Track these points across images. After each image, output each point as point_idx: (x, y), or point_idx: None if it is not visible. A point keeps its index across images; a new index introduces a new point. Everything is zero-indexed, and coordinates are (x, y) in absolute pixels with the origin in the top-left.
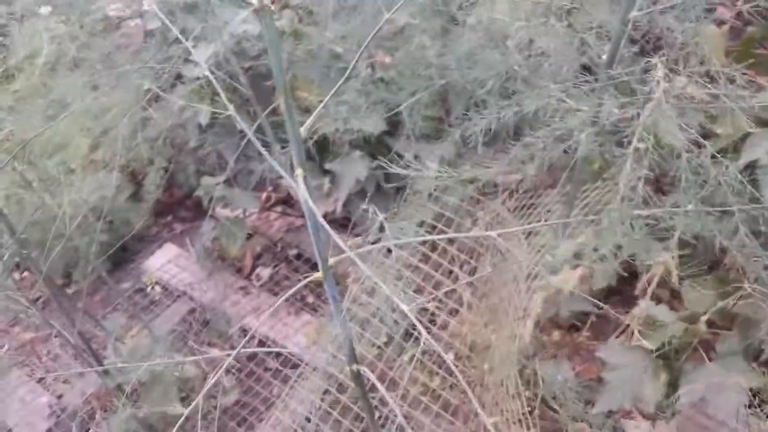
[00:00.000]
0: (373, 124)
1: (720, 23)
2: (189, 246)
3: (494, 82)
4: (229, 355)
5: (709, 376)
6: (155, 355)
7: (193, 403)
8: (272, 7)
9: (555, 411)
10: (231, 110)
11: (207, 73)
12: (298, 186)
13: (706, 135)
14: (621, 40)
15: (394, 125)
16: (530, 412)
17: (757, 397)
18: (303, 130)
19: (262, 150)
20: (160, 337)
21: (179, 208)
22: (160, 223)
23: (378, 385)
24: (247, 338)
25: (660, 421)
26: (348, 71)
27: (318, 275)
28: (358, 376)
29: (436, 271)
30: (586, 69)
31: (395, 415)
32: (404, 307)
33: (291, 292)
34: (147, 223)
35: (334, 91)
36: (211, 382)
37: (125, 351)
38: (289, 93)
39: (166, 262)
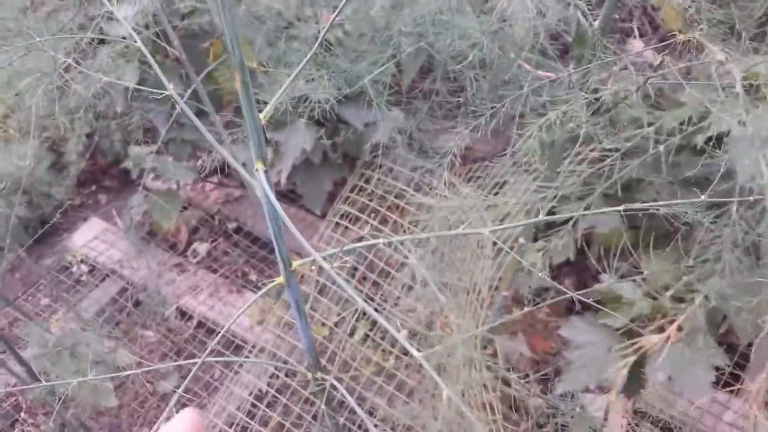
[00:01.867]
0: (326, 94)
1: None
2: (116, 219)
3: (473, 54)
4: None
5: (673, 354)
6: (83, 344)
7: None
8: None
9: (514, 388)
10: (170, 89)
11: (131, 32)
12: (259, 182)
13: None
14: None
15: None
16: (492, 392)
17: (723, 374)
18: (263, 117)
19: (213, 141)
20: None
21: (104, 178)
22: (84, 194)
23: (348, 397)
24: (216, 338)
25: (620, 395)
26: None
27: (280, 280)
28: (322, 385)
29: (389, 245)
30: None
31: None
32: (361, 303)
33: (251, 303)
34: (70, 194)
35: (297, 71)
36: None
37: (51, 342)
38: (247, 72)
39: (92, 238)
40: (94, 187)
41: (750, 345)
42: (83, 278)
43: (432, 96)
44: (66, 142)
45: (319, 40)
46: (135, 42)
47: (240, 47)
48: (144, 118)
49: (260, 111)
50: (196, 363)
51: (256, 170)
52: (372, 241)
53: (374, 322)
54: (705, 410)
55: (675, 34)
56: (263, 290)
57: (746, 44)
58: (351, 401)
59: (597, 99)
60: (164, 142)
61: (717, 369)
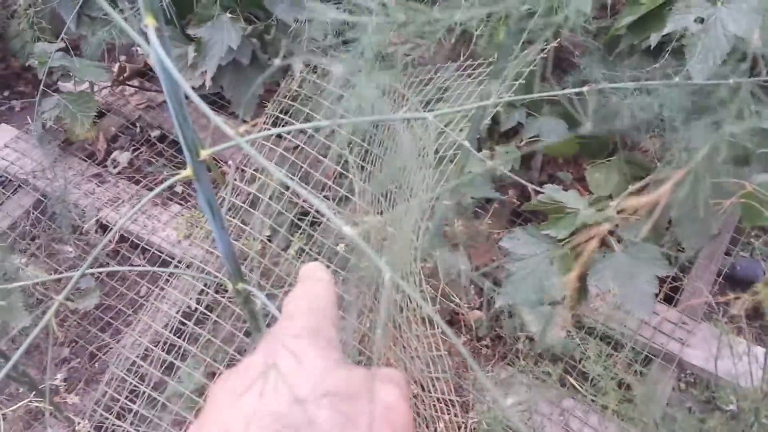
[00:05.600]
0: None
1: None
2: (29, 127)
3: None
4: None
5: (617, 265)
6: None
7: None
8: None
9: (455, 302)
10: None
11: None
12: (149, 42)
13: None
14: None
15: None
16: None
17: (665, 285)
18: None
19: (127, 27)
20: None
21: (18, 82)
22: None
23: (269, 305)
24: (107, 235)
25: (558, 306)
26: None
27: (187, 173)
28: (245, 295)
29: (324, 156)
30: None
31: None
32: (302, 191)
33: (157, 191)
34: None
35: None
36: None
37: None
38: None
39: (2, 146)
40: (6, 93)
41: (694, 258)
42: None
43: None
44: None
45: None
46: None
47: None
48: (50, 10)
49: None
50: (113, 277)
51: (145, 26)
52: (298, 126)
53: (310, 236)
54: (643, 322)
55: None
56: (166, 184)
57: None
58: (273, 310)
59: None
60: (74, 39)
61: (660, 282)
